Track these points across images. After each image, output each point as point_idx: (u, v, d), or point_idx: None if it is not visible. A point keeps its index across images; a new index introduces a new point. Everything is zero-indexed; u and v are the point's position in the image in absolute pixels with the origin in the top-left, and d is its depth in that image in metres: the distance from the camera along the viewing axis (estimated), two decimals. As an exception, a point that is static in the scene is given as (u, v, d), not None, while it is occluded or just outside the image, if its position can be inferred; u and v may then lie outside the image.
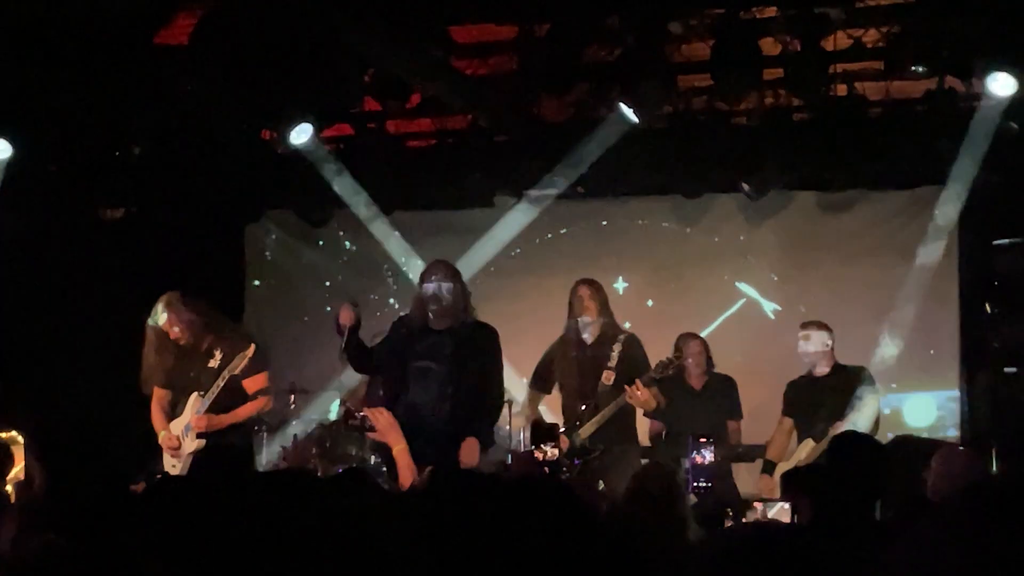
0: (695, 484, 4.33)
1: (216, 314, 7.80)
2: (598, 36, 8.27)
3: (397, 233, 10.25)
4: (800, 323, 8.44)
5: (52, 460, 4.81)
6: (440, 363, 6.87)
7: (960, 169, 8.74)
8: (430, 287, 6.89)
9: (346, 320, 6.98)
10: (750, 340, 10.01)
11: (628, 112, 8.60)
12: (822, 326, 8.33)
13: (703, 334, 9.09)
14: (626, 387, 7.64)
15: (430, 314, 6.90)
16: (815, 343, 8.24)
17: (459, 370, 6.84)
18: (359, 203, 9.89)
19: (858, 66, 8.68)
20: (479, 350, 6.92)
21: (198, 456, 7.36)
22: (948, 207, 9.20)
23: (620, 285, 10.37)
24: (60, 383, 9.23)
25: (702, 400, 8.59)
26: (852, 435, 5.34)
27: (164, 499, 3.65)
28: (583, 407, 7.83)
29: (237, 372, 7.49)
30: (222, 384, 7.44)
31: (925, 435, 8.68)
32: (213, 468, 4.35)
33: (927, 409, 9.77)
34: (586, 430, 7.78)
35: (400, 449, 5.83)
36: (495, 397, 7.05)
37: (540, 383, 8.25)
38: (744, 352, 9.64)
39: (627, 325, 8.68)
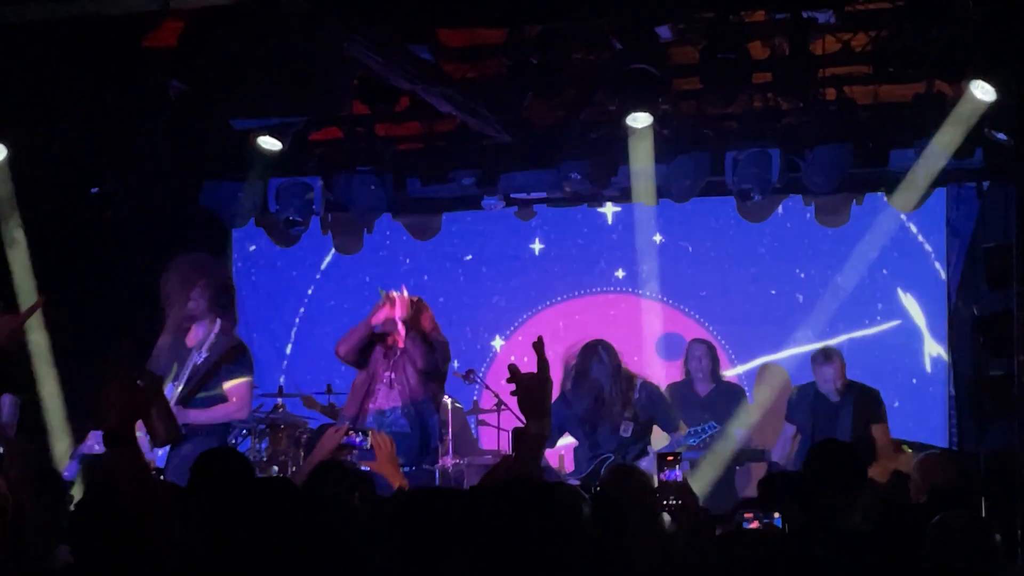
0: (664, 503, 4.31)
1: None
2: (588, 39, 8.26)
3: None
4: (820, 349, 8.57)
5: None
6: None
7: (951, 172, 8.77)
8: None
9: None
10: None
11: (637, 119, 8.52)
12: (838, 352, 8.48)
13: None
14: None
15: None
16: (835, 368, 8.35)
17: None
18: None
19: (846, 70, 8.69)
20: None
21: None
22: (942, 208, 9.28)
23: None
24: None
25: (706, 408, 8.64)
26: (829, 443, 5.40)
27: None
28: (598, 455, 7.74)
29: (216, 359, 7.24)
30: (193, 366, 7.19)
31: (913, 440, 8.74)
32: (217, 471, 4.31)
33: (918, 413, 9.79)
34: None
35: (402, 485, 5.74)
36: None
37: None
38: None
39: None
